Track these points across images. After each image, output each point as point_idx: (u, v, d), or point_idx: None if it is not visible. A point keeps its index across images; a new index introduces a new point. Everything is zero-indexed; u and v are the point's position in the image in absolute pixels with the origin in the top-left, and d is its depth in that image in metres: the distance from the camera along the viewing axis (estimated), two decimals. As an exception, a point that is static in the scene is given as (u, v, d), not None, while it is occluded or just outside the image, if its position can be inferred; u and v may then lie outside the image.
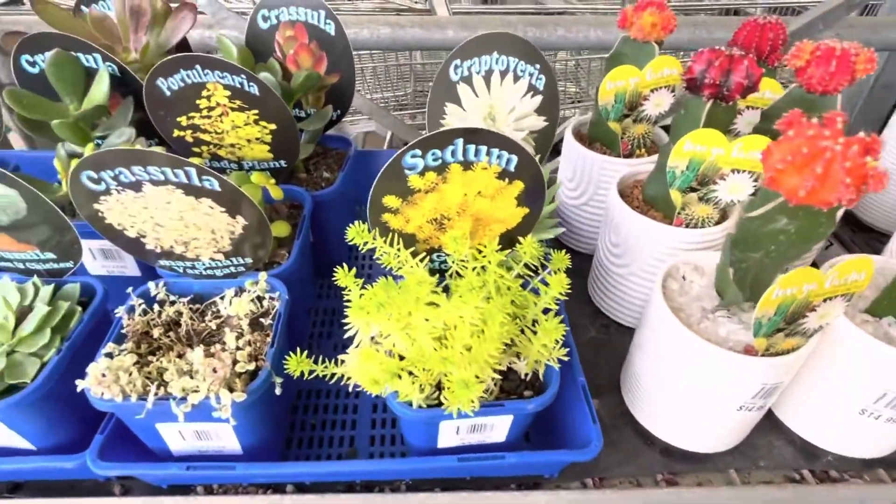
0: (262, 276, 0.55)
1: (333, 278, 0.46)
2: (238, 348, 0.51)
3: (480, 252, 0.50)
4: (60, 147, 0.60)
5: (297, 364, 0.49)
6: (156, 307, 0.54)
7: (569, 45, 1.37)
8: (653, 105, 0.75)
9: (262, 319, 0.55)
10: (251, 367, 0.48)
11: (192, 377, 0.48)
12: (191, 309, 0.55)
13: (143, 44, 0.72)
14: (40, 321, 0.51)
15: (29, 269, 0.56)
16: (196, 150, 0.64)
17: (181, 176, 0.45)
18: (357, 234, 0.47)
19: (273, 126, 0.61)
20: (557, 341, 0.47)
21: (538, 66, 0.60)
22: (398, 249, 0.50)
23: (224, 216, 0.49)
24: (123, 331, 0.52)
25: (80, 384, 0.46)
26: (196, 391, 0.46)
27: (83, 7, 0.77)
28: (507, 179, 0.45)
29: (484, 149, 0.43)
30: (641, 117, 0.76)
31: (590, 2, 1.93)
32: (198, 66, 0.54)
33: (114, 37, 0.73)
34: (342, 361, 0.50)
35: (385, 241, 0.50)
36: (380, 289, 0.45)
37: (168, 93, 0.57)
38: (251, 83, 0.56)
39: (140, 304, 0.54)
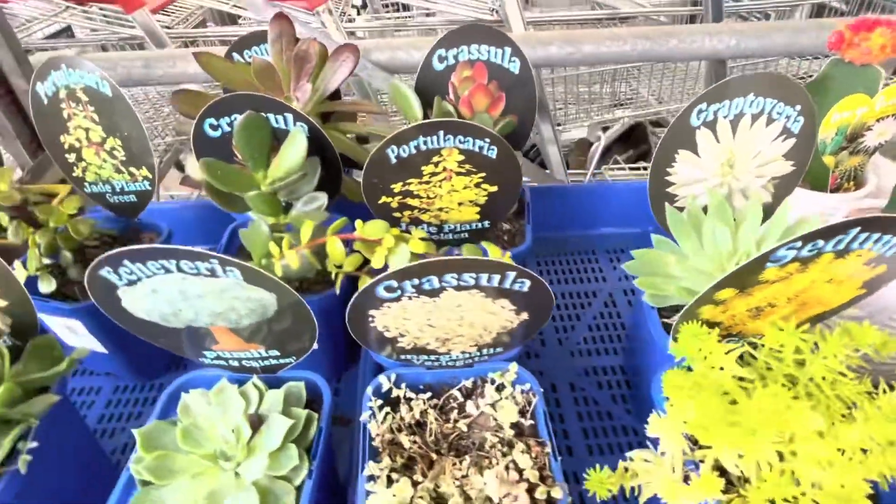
0: (513, 366, 0.48)
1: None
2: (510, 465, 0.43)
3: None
4: (261, 223, 0.53)
5: (600, 482, 0.41)
6: (402, 410, 0.47)
7: (680, 56, 1.29)
8: (876, 135, 0.67)
9: (521, 420, 0.47)
10: (552, 491, 0.41)
11: None
12: (432, 407, 0.48)
13: (309, 92, 0.65)
14: (286, 437, 0.44)
15: (243, 366, 0.50)
16: (397, 214, 0.57)
17: (495, 280, 0.38)
18: (692, 335, 0.40)
19: (494, 188, 0.53)
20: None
21: (799, 107, 0.52)
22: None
23: (511, 313, 0.42)
24: (374, 443, 0.45)
25: (366, 525, 0.39)
26: (500, 527, 0.39)
27: (234, 54, 0.71)
28: (873, 265, 0.38)
29: (876, 235, 0.35)
30: (860, 149, 0.68)
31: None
32: (441, 132, 0.47)
33: (275, 85, 0.66)
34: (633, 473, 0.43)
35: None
36: (713, 399, 0.38)
37: (394, 160, 0.50)
38: (493, 146, 0.49)
39: (381, 408, 0.47)
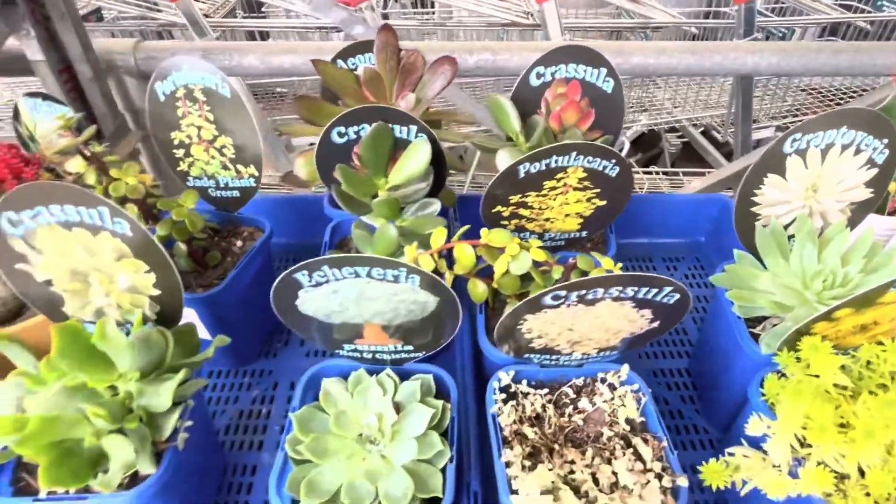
0: (625, 368, 0.53)
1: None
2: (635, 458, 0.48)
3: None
4: (389, 226, 0.57)
5: (715, 473, 0.46)
6: (525, 402, 0.52)
7: (721, 71, 1.34)
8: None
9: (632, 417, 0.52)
10: (678, 480, 0.46)
11: (604, 492, 0.46)
12: (547, 402, 0.53)
13: (413, 102, 0.69)
14: (429, 425, 0.48)
15: (375, 358, 0.54)
16: (505, 222, 0.61)
17: (651, 293, 0.42)
18: (812, 348, 0.45)
19: (603, 203, 0.58)
20: None
21: (886, 140, 0.57)
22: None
23: (646, 321, 0.46)
24: (505, 433, 0.50)
25: (518, 502, 0.43)
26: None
27: (339, 61, 0.75)
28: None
29: None
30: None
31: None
32: (573, 152, 0.52)
33: (380, 93, 0.70)
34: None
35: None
36: (824, 404, 0.43)
37: (523, 175, 0.54)
38: (616, 166, 0.54)
39: (506, 401, 0.52)
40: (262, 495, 0.62)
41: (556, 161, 0.52)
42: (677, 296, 0.43)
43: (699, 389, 0.73)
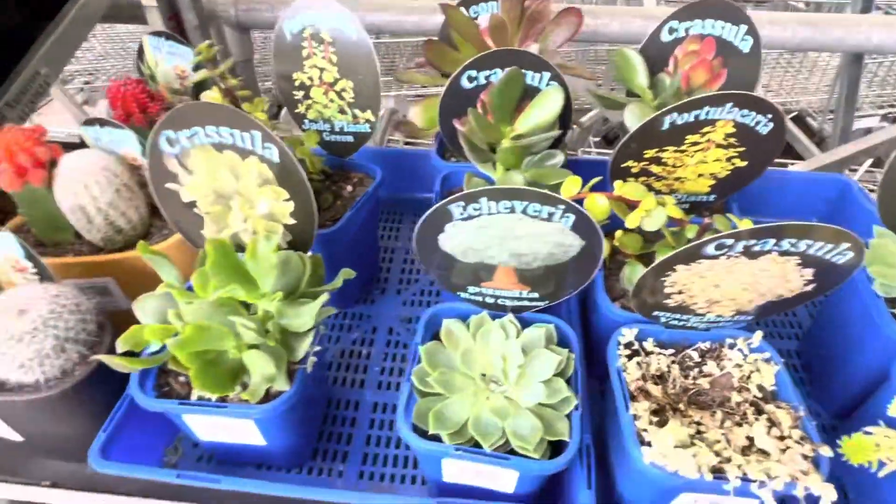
0: (759, 334, 0.51)
1: None
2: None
3: None
4: (516, 175, 0.57)
5: (858, 448, 0.44)
6: (649, 360, 0.51)
7: (839, 47, 1.25)
8: None
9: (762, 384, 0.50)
10: (820, 449, 0.44)
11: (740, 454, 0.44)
12: (672, 362, 0.52)
13: (537, 52, 0.67)
14: (556, 370, 0.48)
15: (497, 304, 0.54)
16: (631, 179, 0.59)
17: (824, 250, 0.40)
18: None
19: (744, 164, 0.55)
20: None
21: None
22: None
23: (801, 283, 0.44)
24: (631, 388, 0.49)
25: (650, 455, 0.43)
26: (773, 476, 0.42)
27: (462, 9, 0.74)
28: None
29: None
30: None
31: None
32: (728, 104, 0.49)
33: (504, 42, 0.69)
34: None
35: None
36: None
37: (667, 126, 0.52)
38: (770, 122, 0.51)
39: (630, 357, 0.51)
40: (364, 430, 0.64)
41: (708, 113, 0.50)
42: (850, 255, 0.41)
43: (812, 372, 0.69)
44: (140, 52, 0.88)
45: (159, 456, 0.62)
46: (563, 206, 0.40)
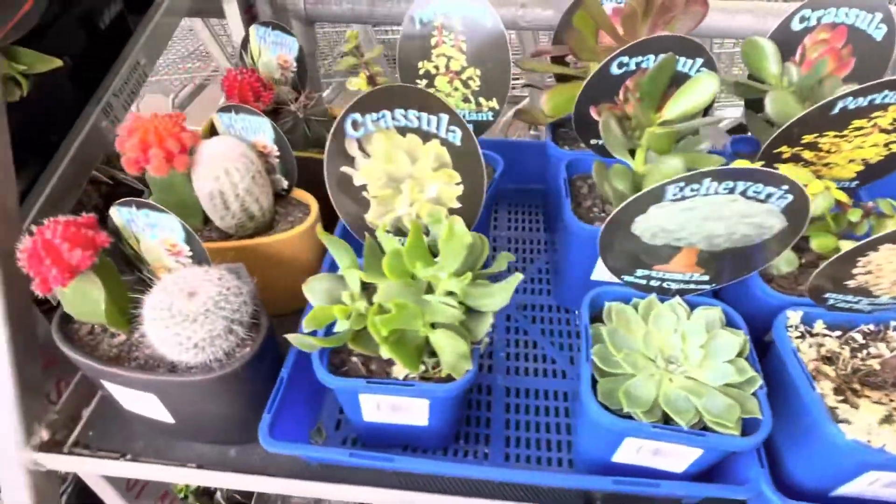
0: (927, 317, 0.52)
1: None
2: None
3: None
4: (675, 159, 0.57)
5: None
6: (823, 341, 0.52)
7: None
8: None
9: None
10: None
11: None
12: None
13: (666, 41, 0.68)
14: (736, 352, 0.49)
15: (662, 287, 0.55)
16: (778, 164, 0.60)
17: None
18: None
19: (901, 149, 0.56)
20: None
21: None
22: None
23: None
24: (809, 368, 0.50)
25: (852, 432, 0.44)
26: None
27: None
28: None
29: None
30: None
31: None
32: (907, 88, 0.50)
33: (634, 30, 0.69)
34: None
35: None
36: None
37: (837, 110, 0.52)
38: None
39: (801, 338, 0.52)
40: (501, 414, 0.65)
41: (885, 97, 0.51)
42: None
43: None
44: (244, 42, 0.89)
45: (306, 438, 0.63)
46: (786, 187, 0.41)
